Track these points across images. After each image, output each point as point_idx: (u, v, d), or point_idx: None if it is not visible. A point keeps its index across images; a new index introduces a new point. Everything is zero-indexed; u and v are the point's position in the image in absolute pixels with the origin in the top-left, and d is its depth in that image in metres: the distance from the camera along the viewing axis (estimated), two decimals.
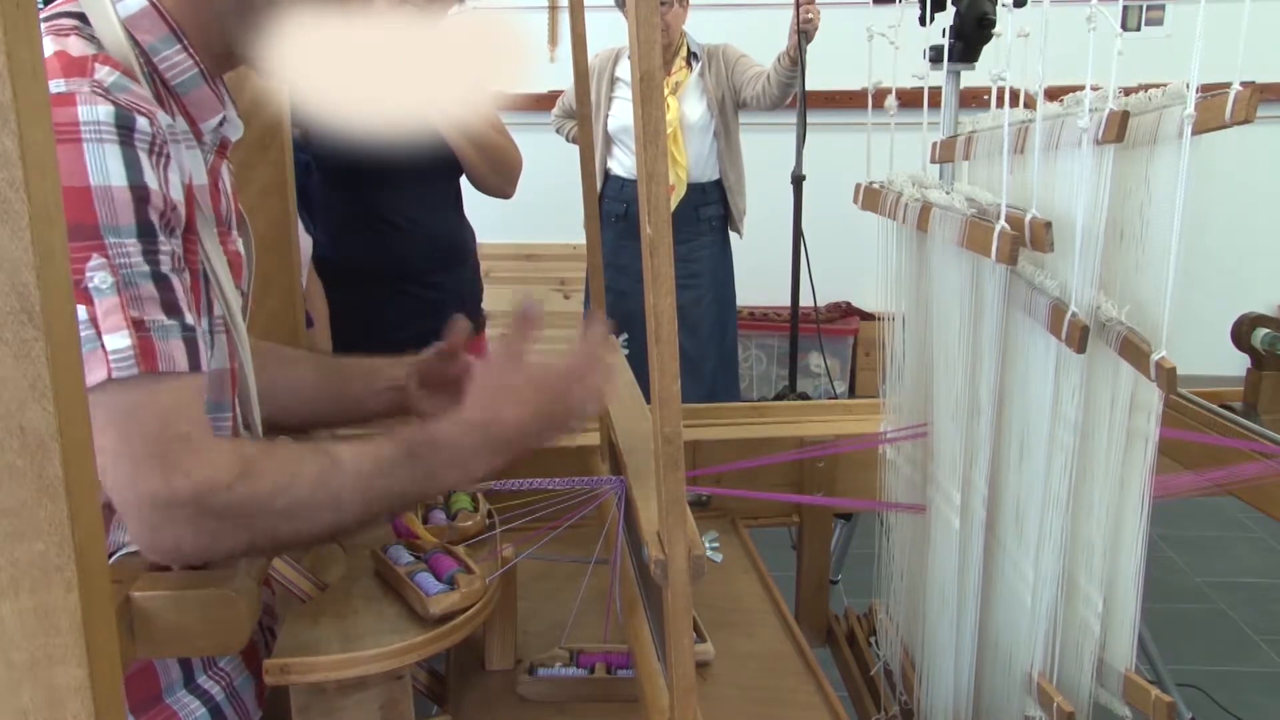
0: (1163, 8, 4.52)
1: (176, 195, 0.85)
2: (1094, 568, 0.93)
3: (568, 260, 4.78)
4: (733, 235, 3.48)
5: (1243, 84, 0.73)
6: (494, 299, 5.19)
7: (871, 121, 1.12)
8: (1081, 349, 0.84)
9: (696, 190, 3.32)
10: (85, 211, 0.77)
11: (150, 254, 0.80)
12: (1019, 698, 1.01)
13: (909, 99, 1.10)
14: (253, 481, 0.79)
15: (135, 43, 0.88)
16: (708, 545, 0.76)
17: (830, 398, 4.09)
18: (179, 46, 0.91)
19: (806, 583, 1.47)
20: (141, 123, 0.81)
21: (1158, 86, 0.80)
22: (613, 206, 3.36)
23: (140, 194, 0.80)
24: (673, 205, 3.23)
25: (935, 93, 1.59)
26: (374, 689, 0.89)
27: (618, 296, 3.18)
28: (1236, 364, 1.42)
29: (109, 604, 0.55)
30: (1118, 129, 0.80)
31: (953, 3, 1.82)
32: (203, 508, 0.77)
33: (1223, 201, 4.33)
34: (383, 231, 1.93)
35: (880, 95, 1.11)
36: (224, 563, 0.84)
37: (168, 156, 0.84)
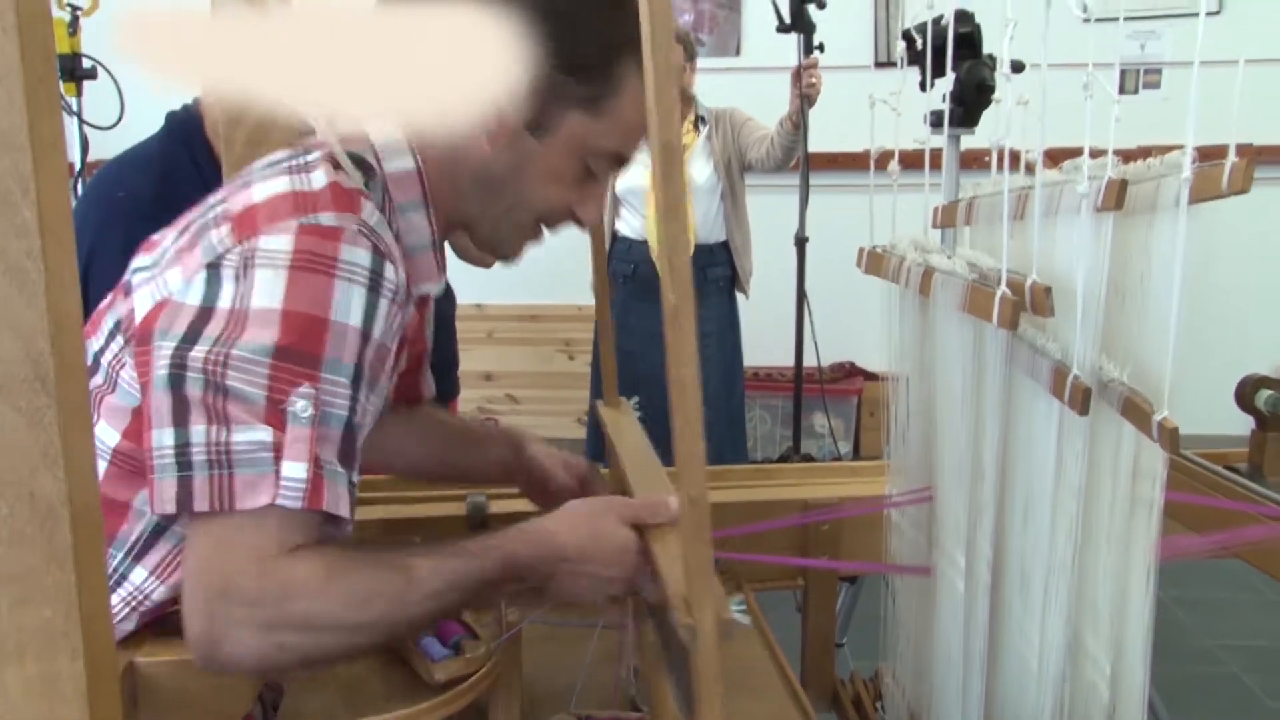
0: (1159, 72, 4.58)
1: (392, 346, 0.88)
2: (1101, 634, 0.92)
3: (573, 321, 4.80)
4: (739, 296, 3.50)
5: (1239, 148, 0.74)
6: (499, 360, 5.20)
7: (874, 184, 1.13)
8: (1084, 411, 0.84)
9: (704, 251, 3.34)
10: (316, 341, 0.80)
11: (353, 401, 0.82)
12: None
13: (911, 161, 1.11)
14: (334, 590, 0.78)
15: (389, 198, 0.92)
16: (734, 608, 0.76)
17: (835, 458, 4.08)
18: (424, 213, 0.95)
19: (812, 646, 1.46)
20: (390, 271, 0.85)
21: (1158, 150, 0.81)
22: (620, 267, 3.38)
23: (367, 340, 0.83)
24: None
25: (937, 155, 1.60)
26: None
27: (626, 357, 3.18)
28: (1241, 424, 1.41)
29: (113, 673, 0.55)
30: (1116, 197, 0.81)
31: (952, 69, 1.85)
32: (282, 614, 0.76)
33: (1225, 263, 4.35)
34: None
35: (883, 159, 1.13)
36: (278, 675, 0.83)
37: (400, 308, 0.87)
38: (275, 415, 0.78)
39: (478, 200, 0.98)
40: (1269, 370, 2.16)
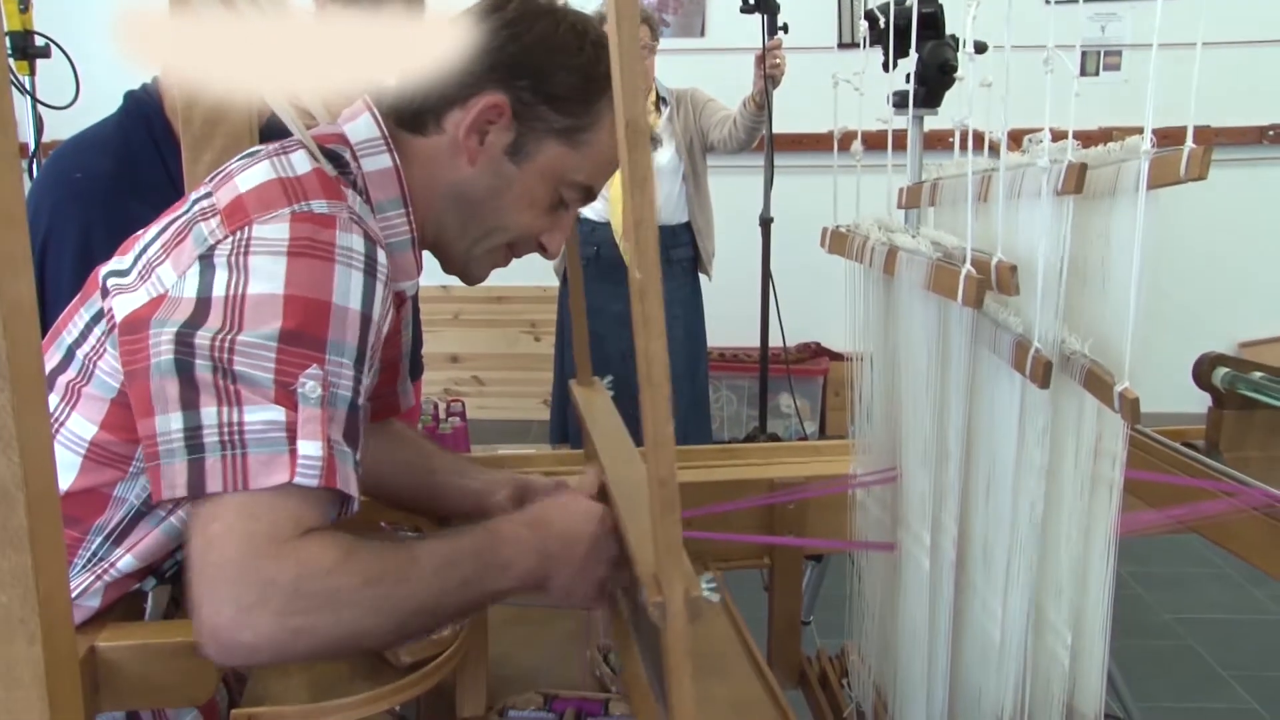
0: (1120, 54, 4.62)
1: (384, 330, 0.89)
2: (1062, 609, 0.93)
3: (538, 302, 4.79)
4: (701, 277, 3.50)
5: (1197, 131, 0.74)
6: (465, 341, 5.18)
7: (838, 164, 1.13)
8: (1045, 384, 0.85)
9: (666, 233, 3.34)
10: (320, 324, 0.80)
11: (356, 381, 0.83)
12: None
13: (875, 142, 1.12)
14: (348, 567, 0.78)
15: (367, 196, 0.94)
16: (704, 586, 0.77)
17: (801, 438, 4.11)
18: (403, 211, 0.96)
19: (778, 624, 1.47)
20: (381, 255, 0.86)
21: (1118, 131, 0.82)
22: (583, 249, 3.37)
23: (367, 323, 0.84)
24: None
25: (900, 136, 1.60)
26: None
27: (593, 339, 3.18)
28: (1198, 402, 1.44)
29: (72, 657, 0.54)
30: (1076, 181, 0.81)
31: (915, 49, 1.85)
32: (298, 595, 0.75)
33: (1182, 242, 4.41)
34: None
35: (846, 139, 1.13)
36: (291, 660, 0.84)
37: (391, 292, 0.88)
38: (286, 396, 0.78)
39: (454, 220, 1.00)
40: (1225, 348, 2.19)
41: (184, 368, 0.78)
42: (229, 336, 0.78)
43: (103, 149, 1.45)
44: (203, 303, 0.80)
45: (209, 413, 0.78)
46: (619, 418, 1.26)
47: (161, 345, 0.79)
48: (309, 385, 0.79)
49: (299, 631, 0.76)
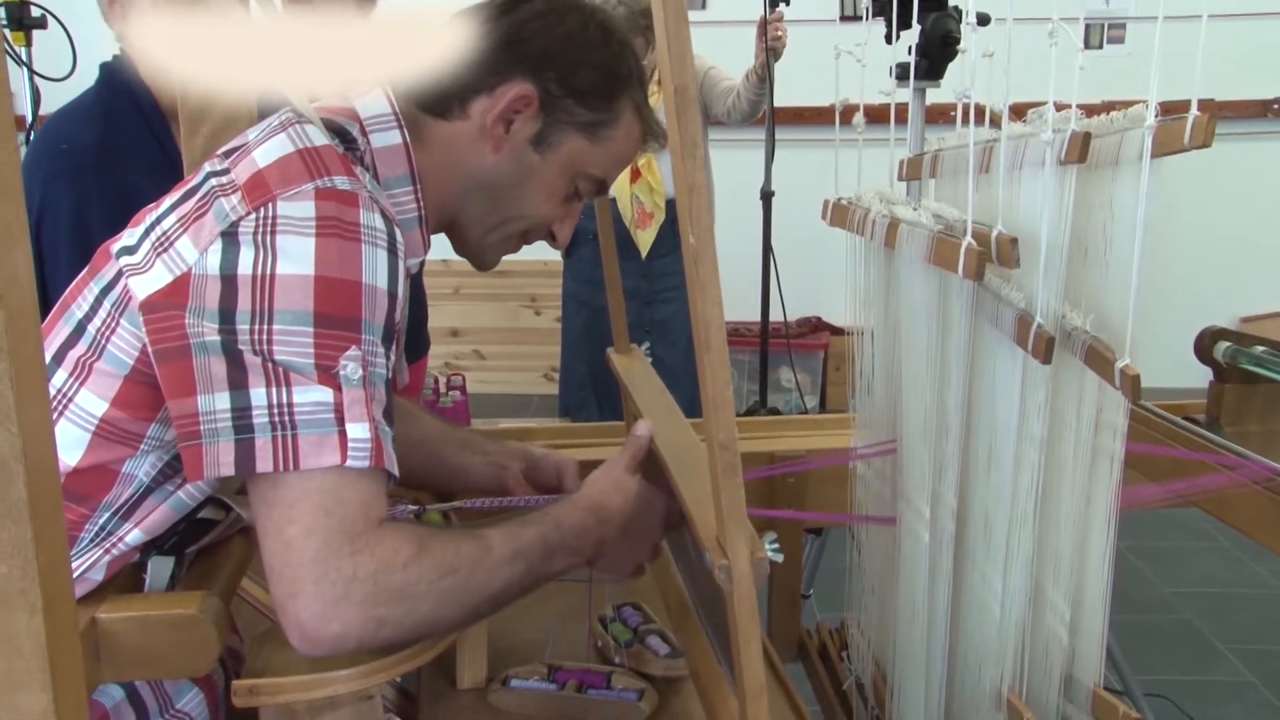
0: (1124, 27, 4.58)
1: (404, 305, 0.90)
2: (1062, 583, 0.93)
3: (539, 276, 4.78)
4: None
5: (1201, 103, 0.74)
6: (466, 316, 5.17)
7: (839, 138, 1.13)
8: (1047, 360, 0.85)
9: (669, 204, 3.33)
10: (353, 305, 0.81)
11: (386, 360, 0.84)
12: (989, 712, 1.02)
13: (876, 115, 1.11)
14: (425, 560, 0.81)
15: (375, 172, 0.94)
16: (768, 546, 0.78)
17: (801, 412, 4.11)
18: (411, 189, 0.97)
19: (778, 598, 1.48)
20: (398, 233, 0.87)
21: (1121, 104, 0.82)
22: (590, 224, 3.35)
23: (394, 302, 0.85)
24: (654, 232, 3.23)
25: (902, 109, 1.59)
26: (344, 709, 0.89)
27: (595, 313, 3.18)
28: (1199, 376, 1.43)
29: (73, 627, 0.55)
30: (1080, 150, 0.81)
31: (918, 21, 1.84)
32: (379, 587, 0.78)
33: (1184, 217, 4.39)
34: None
35: (848, 112, 1.12)
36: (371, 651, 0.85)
37: (406, 269, 0.89)
38: (329, 379, 0.79)
39: (474, 206, 1.02)
40: (1227, 323, 2.18)
41: (230, 349, 0.79)
42: (264, 327, 0.79)
43: (85, 120, 1.45)
44: (229, 280, 0.80)
45: (258, 394, 0.79)
46: (660, 383, 1.27)
47: (204, 326, 0.80)
48: (350, 367, 0.80)
49: (382, 622, 0.79)
